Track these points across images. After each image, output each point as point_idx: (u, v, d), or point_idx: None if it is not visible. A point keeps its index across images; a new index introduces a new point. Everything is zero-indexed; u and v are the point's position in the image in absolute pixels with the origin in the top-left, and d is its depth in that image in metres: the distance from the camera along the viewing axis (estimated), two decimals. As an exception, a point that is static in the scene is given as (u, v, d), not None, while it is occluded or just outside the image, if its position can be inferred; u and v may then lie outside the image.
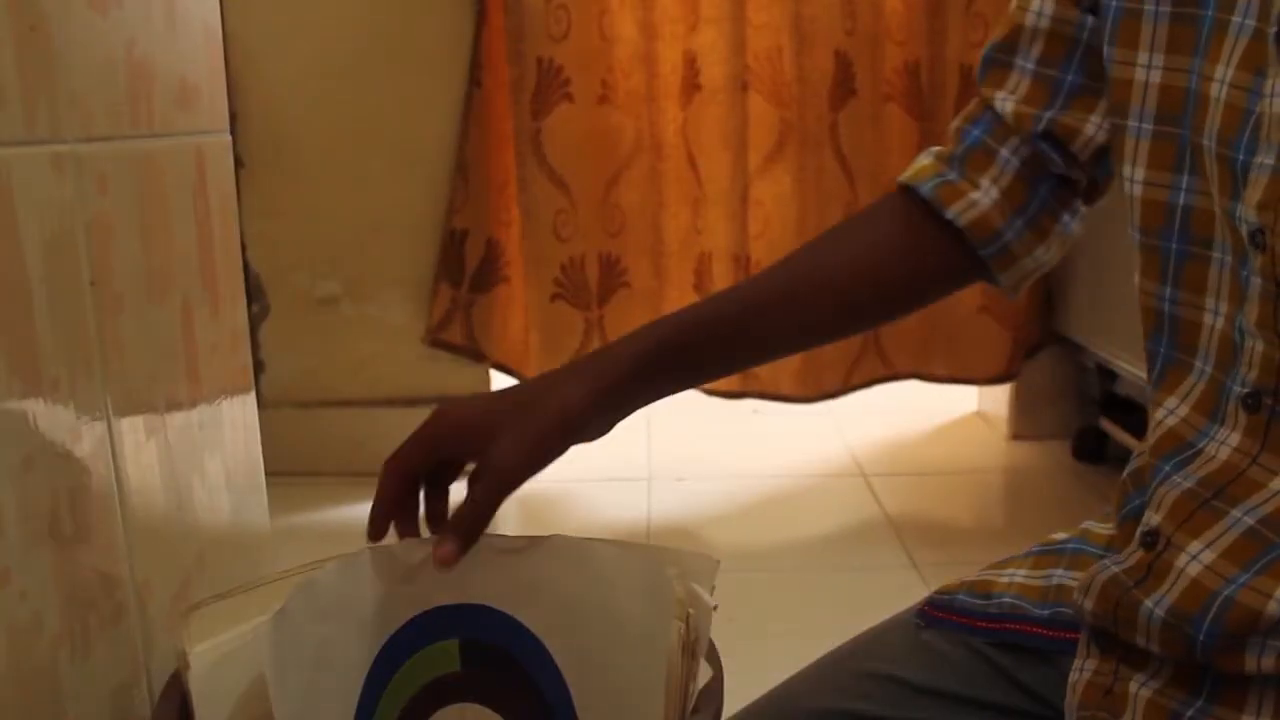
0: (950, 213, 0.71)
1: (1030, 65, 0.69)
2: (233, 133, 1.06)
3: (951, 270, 0.74)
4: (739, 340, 0.69)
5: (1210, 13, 0.57)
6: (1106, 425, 2.27)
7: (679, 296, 2.22)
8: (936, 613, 0.72)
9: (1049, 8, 0.68)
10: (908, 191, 0.74)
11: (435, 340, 2.11)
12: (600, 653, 0.64)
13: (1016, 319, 2.33)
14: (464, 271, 2.11)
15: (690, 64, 2.11)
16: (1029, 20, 0.69)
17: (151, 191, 0.86)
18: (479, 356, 2.17)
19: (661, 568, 0.61)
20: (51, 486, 0.70)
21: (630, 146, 2.14)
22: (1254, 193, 0.53)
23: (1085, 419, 2.37)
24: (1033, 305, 2.34)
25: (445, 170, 2.03)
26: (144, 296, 0.83)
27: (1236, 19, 0.55)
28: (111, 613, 0.76)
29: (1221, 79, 0.56)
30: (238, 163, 1.95)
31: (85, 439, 0.73)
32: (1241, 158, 0.54)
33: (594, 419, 0.64)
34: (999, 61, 0.71)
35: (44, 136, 0.70)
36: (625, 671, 0.62)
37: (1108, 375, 2.25)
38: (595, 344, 2.20)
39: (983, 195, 0.71)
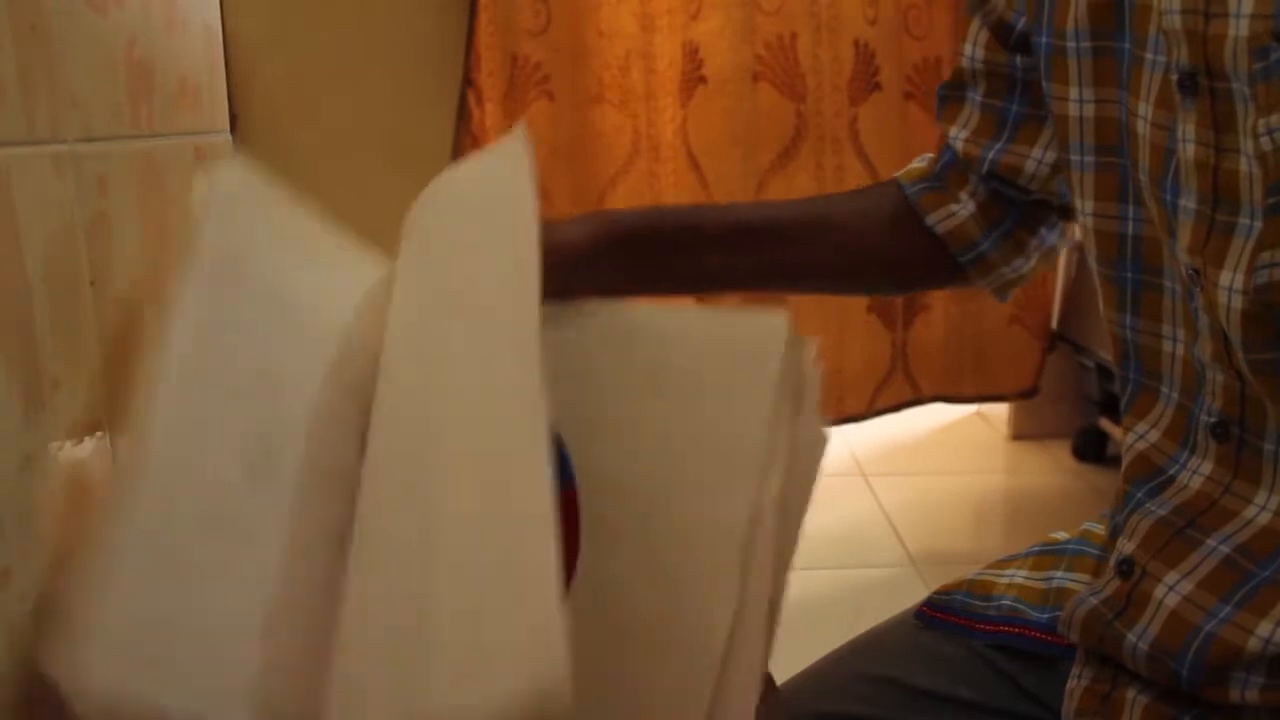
0: (930, 219, 0.73)
1: (979, 98, 0.72)
2: (233, 133, 1.07)
3: (935, 269, 0.76)
4: (735, 245, 0.69)
5: (1128, 46, 0.57)
6: (1106, 425, 2.27)
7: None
8: (935, 613, 0.72)
9: (979, 53, 0.71)
10: (899, 187, 0.76)
11: None
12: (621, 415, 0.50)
13: (1044, 324, 2.29)
14: None
15: (692, 55, 1.98)
16: (966, 64, 0.73)
17: (151, 191, 0.86)
18: None
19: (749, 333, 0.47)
20: (51, 486, 0.70)
21: (626, 148, 2.02)
22: (1184, 235, 0.53)
23: (1085, 419, 2.37)
24: (1053, 307, 2.31)
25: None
26: (144, 296, 0.83)
27: (1149, 55, 0.55)
28: (111, 613, 0.76)
29: (1144, 116, 0.56)
30: (238, 162, 1.95)
31: (85, 439, 0.73)
32: (1169, 198, 0.54)
33: (591, 264, 0.63)
34: (952, 98, 0.74)
35: (44, 136, 0.70)
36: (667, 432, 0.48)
37: (1107, 375, 2.25)
38: None
39: (961, 208, 0.73)
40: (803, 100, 1.99)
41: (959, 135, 0.73)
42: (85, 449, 0.73)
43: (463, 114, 1.97)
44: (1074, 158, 0.62)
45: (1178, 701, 0.56)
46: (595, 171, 2.01)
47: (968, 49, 0.72)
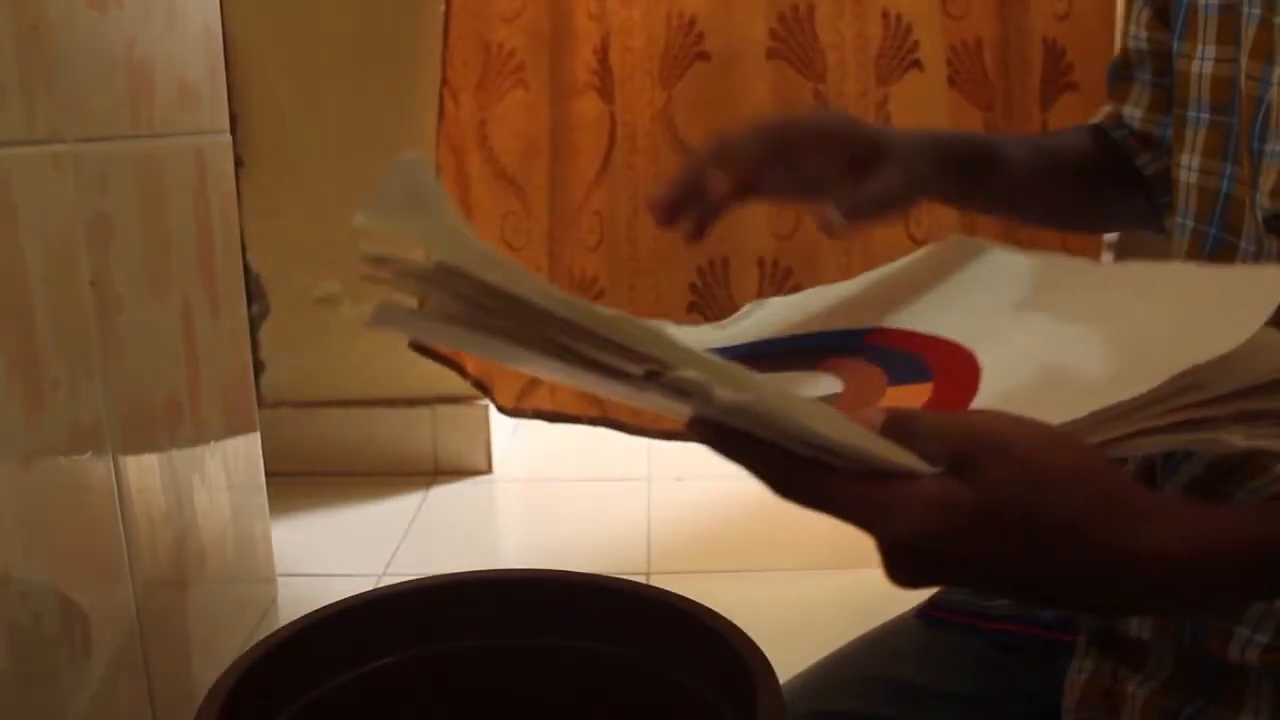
0: (1139, 161, 0.75)
1: (1148, 77, 0.74)
2: (233, 133, 1.07)
3: (1133, 208, 0.77)
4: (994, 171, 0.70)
5: (1245, 5, 0.59)
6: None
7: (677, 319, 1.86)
8: (938, 613, 0.72)
9: (1143, 32, 0.73)
10: (1098, 130, 0.77)
11: (419, 346, 1.91)
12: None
13: None
14: None
15: (688, 30, 1.73)
16: (1132, 44, 0.74)
17: (151, 191, 0.86)
18: (463, 371, 1.94)
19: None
20: (52, 486, 0.70)
21: (606, 138, 1.76)
22: (1267, 180, 0.55)
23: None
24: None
25: (445, 170, 2.03)
26: (144, 296, 0.83)
27: (1246, 8, 0.58)
28: (111, 613, 0.76)
29: (1244, 68, 0.58)
30: (238, 163, 1.95)
31: (85, 439, 0.73)
32: (1257, 144, 0.56)
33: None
34: (1121, 76, 0.76)
35: (44, 136, 0.70)
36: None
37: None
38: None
39: (1164, 153, 0.74)
40: (821, 79, 1.74)
41: (1134, 114, 0.74)
42: (85, 449, 0.73)
43: (441, 113, 1.90)
44: (1191, 114, 0.64)
45: (1180, 688, 0.56)
46: (578, 164, 1.82)
47: (1133, 29, 0.73)
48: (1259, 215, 0.55)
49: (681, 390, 0.38)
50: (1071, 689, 0.62)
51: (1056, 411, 0.41)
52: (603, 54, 1.77)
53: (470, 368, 1.93)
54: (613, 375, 0.39)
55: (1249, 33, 0.57)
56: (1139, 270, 0.57)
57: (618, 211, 1.76)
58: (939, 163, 0.65)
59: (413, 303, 0.45)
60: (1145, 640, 0.58)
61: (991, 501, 0.38)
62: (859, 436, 0.38)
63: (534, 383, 1.87)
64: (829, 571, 1.66)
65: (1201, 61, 0.62)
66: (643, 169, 1.77)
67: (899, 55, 1.74)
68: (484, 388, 1.93)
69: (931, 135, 0.67)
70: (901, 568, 0.41)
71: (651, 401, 0.41)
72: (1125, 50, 0.75)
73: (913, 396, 0.49)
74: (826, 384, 0.54)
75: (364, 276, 0.43)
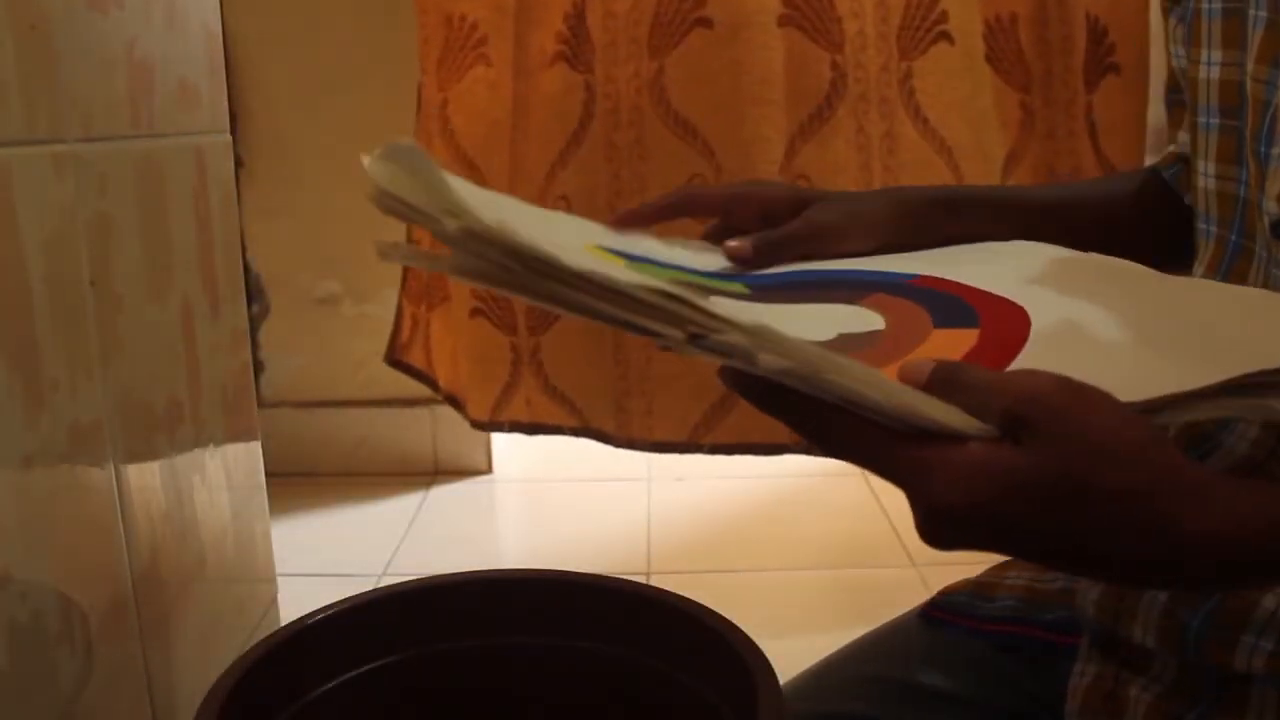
0: (1189, 198, 0.73)
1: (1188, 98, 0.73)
2: (233, 133, 1.06)
3: (1186, 246, 0.75)
4: (999, 217, 0.69)
5: (1247, 5, 0.59)
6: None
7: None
8: (939, 614, 0.72)
9: (1180, 49, 0.71)
10: (1153, 171, 0.77)
11: (395, 361, 1.79)
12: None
13: None
14: (419, 284, 1.74)
15: None
16: (1174, 63, 0.73)
17: (151, 191, 0.86)
18: (434, 385, 1.79)
19: None
20: (51, 486, 0.70)
21: (578, 114, 1.57)
22: (1274, 184, 0.54)
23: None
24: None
25: (445, 170, 2.03)
26: (144, 296, 0.83)
27: (1251, 11, 0.57)
28: (111, 612, 0.76)
29: (1250, 72, 0.57)
30: (238, 163, 1.95)
31: (85, 439, 0.73)
32: (1264, 149, 0.55)
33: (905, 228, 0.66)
34: (1174, 100, 0.75)
35: (44, 136, 0.70)
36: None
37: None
38: (527, 380, 1.67)
39: None
40: (839, 50, 1.54)
41: (1185, 138, 0.73)
42: (85, 449, 0.73)
43: (419, 101, 1.84)
44: (1201, 119, 0.63)
45: (1183, 693, 0.56)
46: (542, 143, 1.61)
47: (1171, 46, 0.72)
48: (1266, 220, 0.55)
49: (724, 352, 0.38)
50: (1074, 692, 0.62)
51: (1113, 378, 0.40)
52: (576, 21, 1.57)
53: (442, 382, 1.82)
54: (652, 335, 0.39)
55: (1255, 36, 0.56)
56: (1210, 284, 0.57)
57: (596, 193, 1.57)
58: (901, 214, 0.66)
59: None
60: (1149, 646, 0.58)
61: (1045, 470, 0.37)
62: (905, 396, 0.38)
63: (508, 393, 1.72)
64: (829, 571, 1.66)
65: (1208, 66, 0.62)
66: (626, 147, 1.57)
67: (923, 26, 1.56)
68: (455, 402, 1.81)
69: (905, 190, 0.67)
70: (938, 532, 0.39)
71: (693, 355, 0.40)
72: (1171, 71, 0.74)
73: (958, 341, 0.48)
74: (869, 319, 0.53)
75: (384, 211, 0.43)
